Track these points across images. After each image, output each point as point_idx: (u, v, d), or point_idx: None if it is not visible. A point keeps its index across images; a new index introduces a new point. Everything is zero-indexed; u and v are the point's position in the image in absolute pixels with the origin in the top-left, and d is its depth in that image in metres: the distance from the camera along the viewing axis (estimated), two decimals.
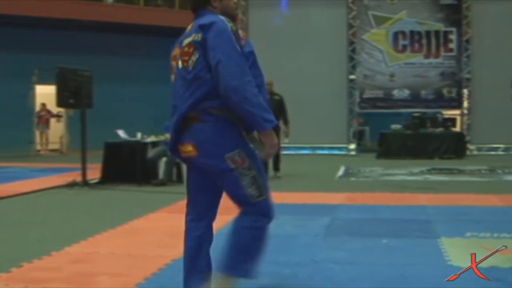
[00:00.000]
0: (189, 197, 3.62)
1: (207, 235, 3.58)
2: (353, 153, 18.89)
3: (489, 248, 5.35)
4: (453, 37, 18.80)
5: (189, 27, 3.46)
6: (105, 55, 20.80)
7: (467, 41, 18.79)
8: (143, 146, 10.95)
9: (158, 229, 6.45)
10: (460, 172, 12.91)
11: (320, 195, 9.13)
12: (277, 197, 9.36)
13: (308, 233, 6.03)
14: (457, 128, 18.65)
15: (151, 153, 10.82)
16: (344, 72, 19.03)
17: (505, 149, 18.54)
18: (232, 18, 3.51)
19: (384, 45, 18.96)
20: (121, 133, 11.32)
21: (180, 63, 3.40)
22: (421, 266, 4.75)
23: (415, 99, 18.87)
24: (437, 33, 18.79)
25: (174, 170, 10.96)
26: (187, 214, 3.62)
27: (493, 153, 18.59)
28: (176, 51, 3.50)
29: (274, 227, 6.60)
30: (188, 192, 3.61)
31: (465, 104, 19.14)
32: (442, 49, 18.81)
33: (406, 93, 18.85)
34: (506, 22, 18.22)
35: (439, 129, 17.47)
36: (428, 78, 18.82)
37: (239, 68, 3.21)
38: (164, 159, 10.62)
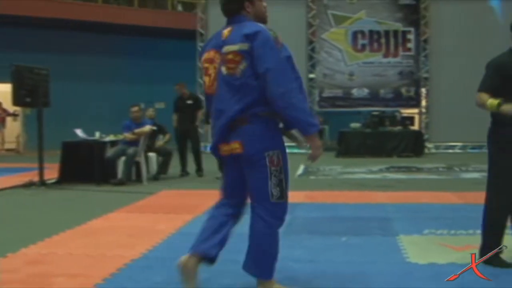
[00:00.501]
0: (225, 190, 3.92)
1: (236, 216, 3.89)
2: None
3: (446, 245, 5.43)
4: (411, 36, 19.00)
5: (226, 32, 3.70)
6: (63, 53, 20.54)
7: (425, 41, 19.03)
8: (101, 145, 10.83)
9: (117, 229, 6.39)
10: (418, 170, 13.05)
11: None
12: None
13: None
14: (415, 127, 18.85)
15: (109, 152, 10.71)
16: (304, 71, 19.05)
17: (462, 147, 18.81)
18: (263, 21, 3.81)
19: (343, 44, 19.08)
20: (79, 132, 11.19)
21: (224, 69, 3.63)
22: (380, 263, 4.79)
23: (374, 98, 19.03)
24: (395, 32, 18.97)
25: (133, 170, 10.87)
26: (220, 201, 3.91)
27: (450, 151, 18.85)
28: (210, 54, 3.75)
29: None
30: (225, 186, 3.92)
31: (423, 103, 19.38)
32: (400, 48, 19.01)
33: (365, 92, 19.00)
34: (463, 22, 18.47)
35: (398, 128, 17.62)
36: (386, 77, 19.00)
37: (285, 76, 3.52)
38: (123, 158, 10.53)
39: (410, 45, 18.99)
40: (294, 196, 8.76)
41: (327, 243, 5.51)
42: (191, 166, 11.83)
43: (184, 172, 11.94)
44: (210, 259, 3.77)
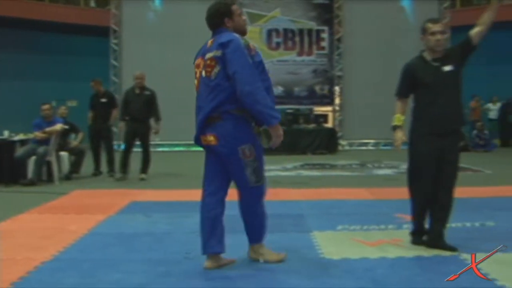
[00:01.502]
0: (206, 177, 4.59)
1: (221, 208, 4.58)
2: None
3: (359, 240, 5.53)
4: (325, 35, 19.29)
5: (209, 43, 4.47)
6: None
7: (339, 39, 19.35)
8: (10, 144, 10.51)
9: (27, 230, 6.21)
10: (332, 167, 13.25)
11: (195, 192, 8.95)
12: (150, 195, 9.20)
13: (181, 230, 6.01)
14: (329, 124, 19.05)
15: (19, 151, 10.40)
16: None
17: (375, 144, 19.25)
18: (243, 33, 4.54)
19: (258, 43, 19.07)
20: None
21: (203, 72, 4.41)
22: (295, 260, 4.83)
23: (288, 95, 19.20)
24: (309, 31, 19.22)
25: (44, 169, 10.59)
26: (205, 190, 4.59)
27: (363, 148, 19.27)
28: (199, 61, 4.51)
29: (147, 225, 6.52)
30: (206, 172, 4.60)
31: (337, 101, 19.69)
32: (314, 47, 19.26)
33: (279, 90, 19.10)
34: (375, 22, 18.91)
35: (312, 125, 17.82)
36: (301, 75, 19.21)
37: (251, 76, 4.22)
38: (33, 157, 10.24)
39: (324, 43, 19.28)
40: None
41: (242, 240, 5.49)
42: (105, 165, 11.61)
43: (97, 171, 11.71)
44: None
